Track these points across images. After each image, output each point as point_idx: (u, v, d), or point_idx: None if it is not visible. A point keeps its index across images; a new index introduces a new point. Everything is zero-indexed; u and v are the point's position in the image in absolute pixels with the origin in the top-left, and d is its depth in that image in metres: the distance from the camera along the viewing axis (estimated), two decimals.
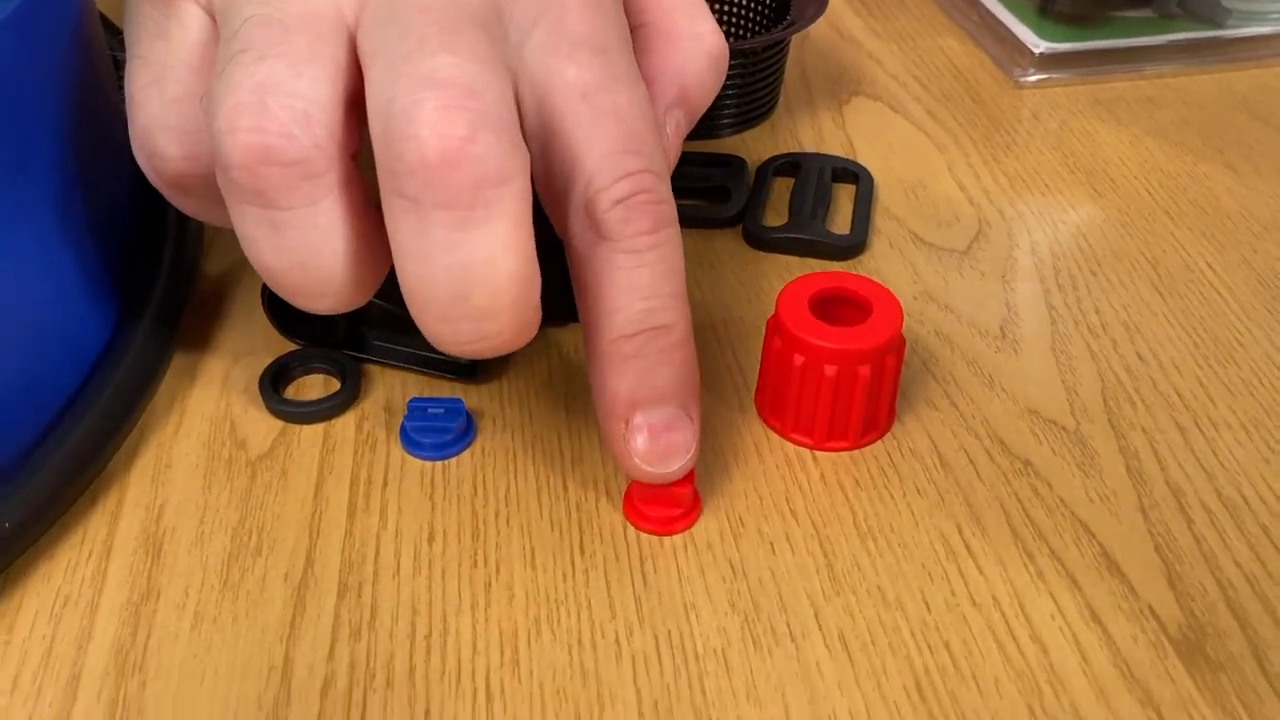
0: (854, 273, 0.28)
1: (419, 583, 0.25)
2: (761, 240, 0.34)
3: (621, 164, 0.24)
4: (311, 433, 0.28)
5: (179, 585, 0.25)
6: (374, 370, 0.30)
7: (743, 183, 0.36)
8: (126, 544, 0.26)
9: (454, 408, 0.28)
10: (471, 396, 0.29)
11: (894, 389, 0.28)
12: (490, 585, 0.25)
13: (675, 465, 0.25)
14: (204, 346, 0.30)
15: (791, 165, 0.37)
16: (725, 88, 0.38)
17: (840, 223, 0.35)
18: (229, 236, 0.33)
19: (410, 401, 0.28)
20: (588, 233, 0.24)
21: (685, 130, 0.28)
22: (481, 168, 0.21)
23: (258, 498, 0.27)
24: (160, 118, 0.25)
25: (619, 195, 0.24)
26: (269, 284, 0.24)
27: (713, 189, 0.36)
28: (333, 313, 0.24)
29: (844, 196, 0.36)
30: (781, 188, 0.36)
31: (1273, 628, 0.24)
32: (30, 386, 0.26)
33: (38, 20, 0.25)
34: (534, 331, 0.24)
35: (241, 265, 0.33)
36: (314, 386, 0.29)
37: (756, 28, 0.40)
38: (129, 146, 0.27)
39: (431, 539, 0.26)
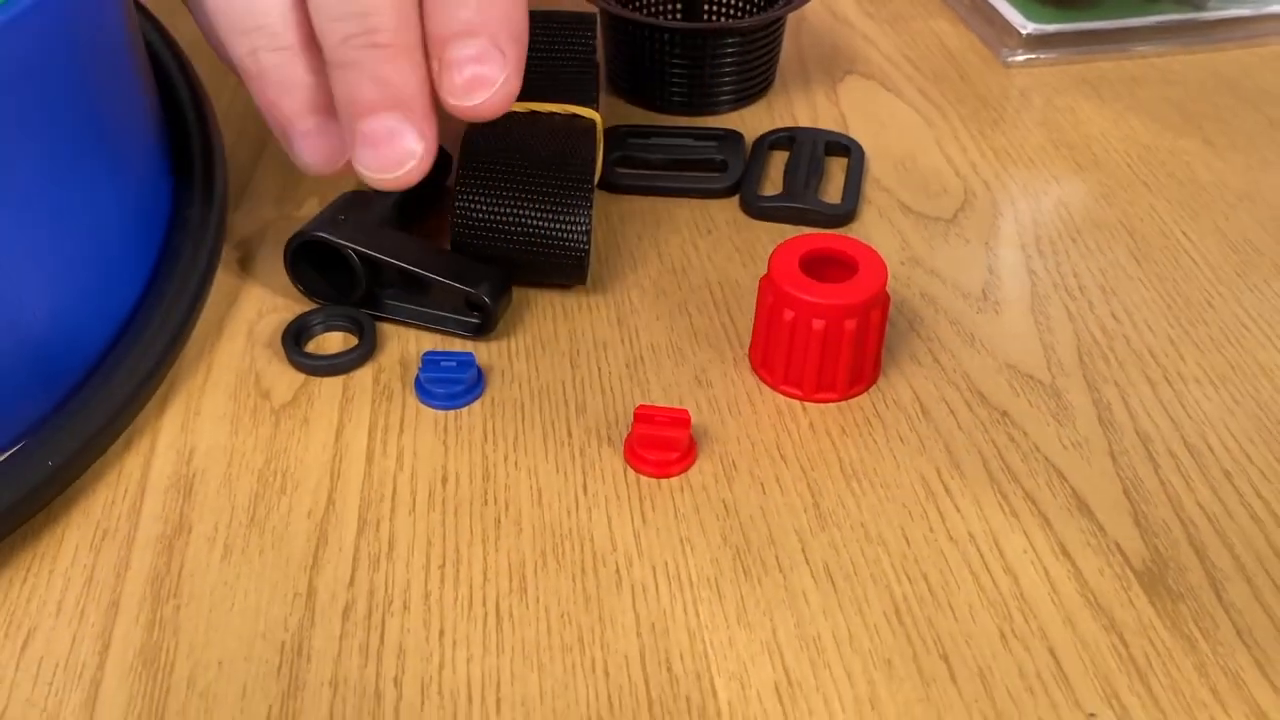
0: (841, 234, 0.30)
1: (433, 518, 0.26)
2: (757, 209, 0.36)
3: None
4: (331, 384, 0.30)
5: (209, 521, 0.26)
6: (389, 328, 0.31)
7: (740, 155, 0.37)
8: (159, 484, 0.27)
9: (465, 360, 0.29)
10: (481, 353, 0.31)
11: (879, 343, 0.29)
12: (500, 521, 0.26)
13: (481, 97, 0.26)
14: (230, 303, 0.32)
15: (787, 139, 0.38)
16: (723, 65, 0.39)
17: (832, 193, 0.37)
18: (254, 201, 0.34)
19: (424, 354, 0.29)
20: None
21: None
22: None
23: (281, 443, 0.28)
24: None
25: None
26: (216, 34, 0.27)
27: (711, 161, 0.37)
28: (276, 65, 0.26)
29: (836, 168, 0.38)
30: (777, 160, 0.38)
31: (1230, 561, 0.26)
32: (71, 337, 0.28)
33: (68, 11, 0.27)
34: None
35: (265, 228, 0.35)
36: (333, 342, 0.31)
37: (754, 8, 0.42)
38: (159, 123, 0.30)
39: (445, 480, 0.27)
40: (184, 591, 0.25)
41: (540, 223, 0.31)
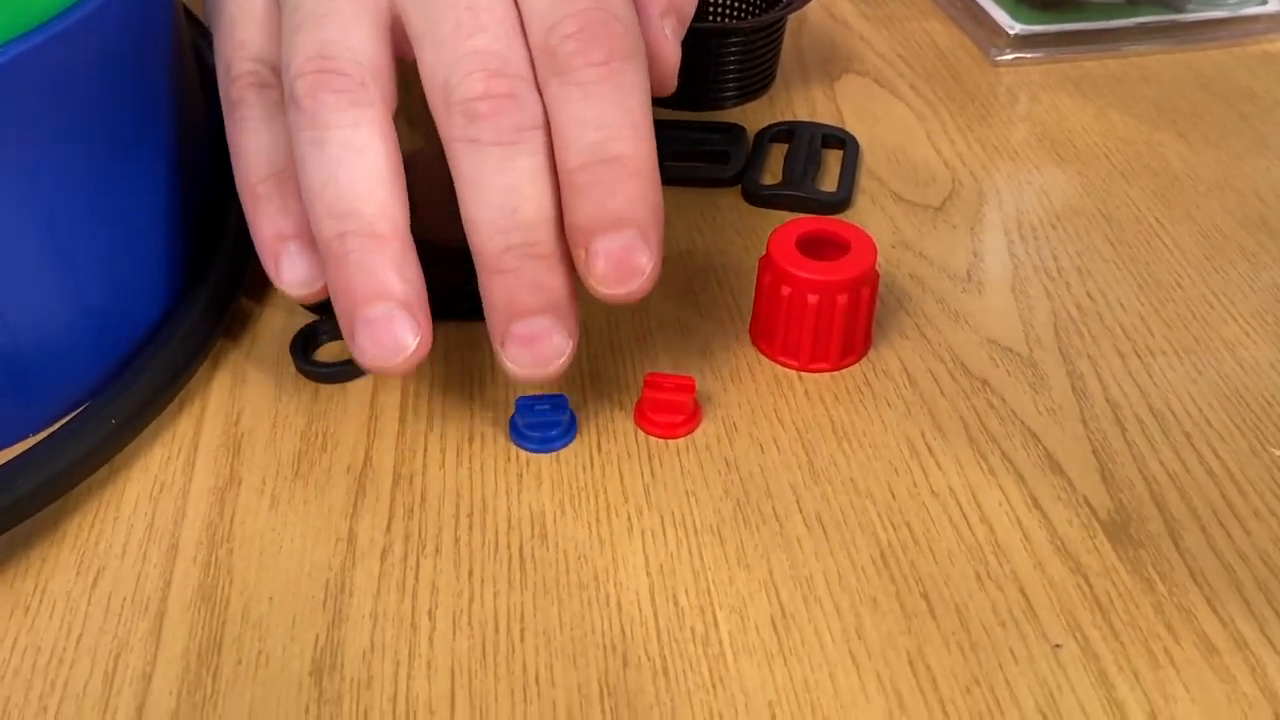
0: (835, 218, 0.32)
1: (461, 473, 0.29)
2: (758, 197, 0.38)
3: (572, 3, 0.26)
4: None
5: (257, 475, 0.29)
6: None
7: (742, 147, 0.40)
8: (211, 442, 0.30)
9: (558, 403, 0.30)
10: None
11: (869, 317, 0.32)
12: (522, 476, 0.29)
13: (634, 286, 0.27)
14: (269, 284, 0.35)
15: (786, 132, 0.41)
16: (727, 63, 0.42)
17: (829, 182, 0.39)
18: None
19: (518, 399, 0.30)
20: (547, 75, 0.26)
21: (680, 33, 0.30)
22: (523, 115, 0.26)
23: (321, 407, 0.31)
24: (230, 51, 0.30)
25: (568, 30, 0.26)
26: (308, 202, 0.27)
27: (715, 152, 0.40)
28: (361, 247, 0.26)
29: (832, 160, 0.40)
30: (777, 152, 0.41)
31: (1188, 513, 0.28)
32: (128, 308, 0.31)
33: (134, 6, 0.29)
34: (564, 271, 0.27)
35: None
36: (336, 350, 0.32)
37: (756, 9, 0.44)
38: (205, 113, 0.33)
39: (471, 440, 0.30)
40: (236, 536, 0.28)
41: None
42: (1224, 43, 0.47)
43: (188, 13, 0.38)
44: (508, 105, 0.26)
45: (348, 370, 0.31)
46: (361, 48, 0.27)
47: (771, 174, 0.39)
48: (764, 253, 0.32)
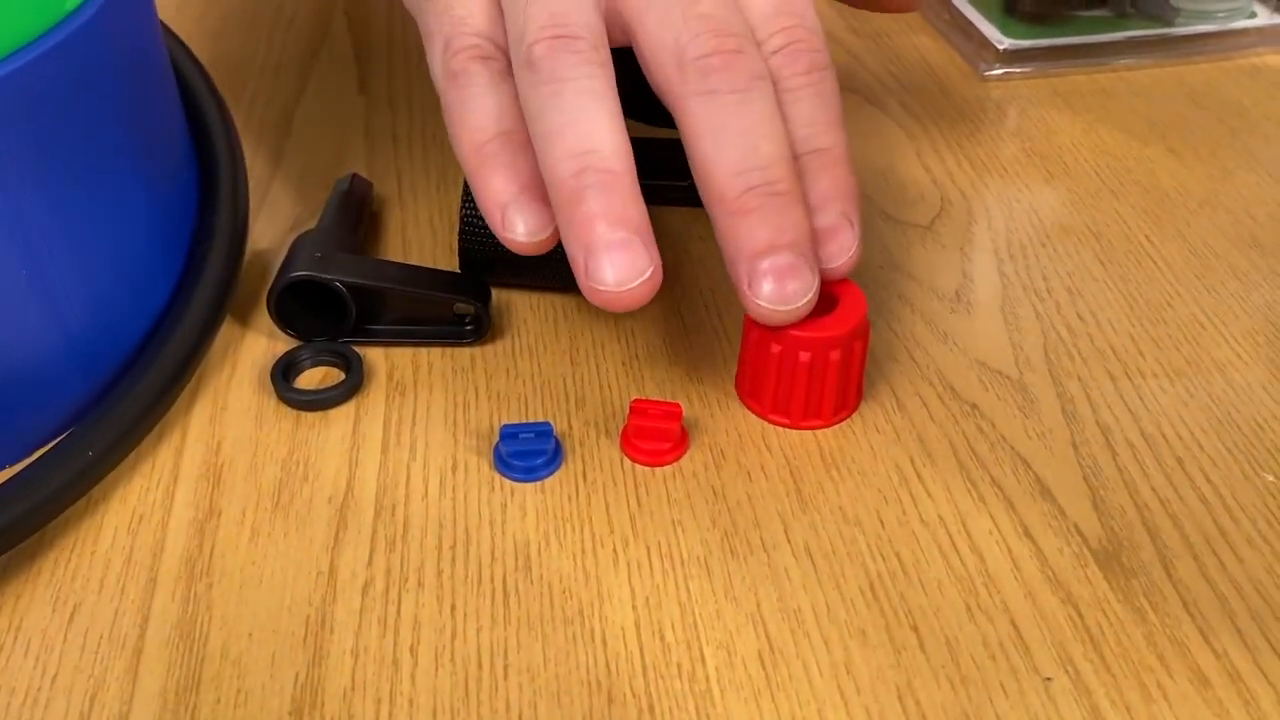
0: None
1: (445, 504, 0.29)
2: None
3: (777, 22, 0.30)
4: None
5: (237, 506, 0.29)
6: (378, 365, 0.33)
7: None
8: (190, 472, 0.30)
9: (543, 431, 0.30)
10: (487, 351, 0.33)
11: (861, 371, 0.31)
12: (506, 506, 0.29)
13: (841, 260, 0.30)
14: (252, 304, 0.34)
15: None
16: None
17: None
18: (272, 210, 0.37)
19: (502, 427, 0.30)
20: None
21: None
22: (752, 65, 0.29)
23: (302, 436, 0.30)
24: (450, 26, 0.31)
25: (775, 46, 0.30)
26: (548, 142, 0.28)
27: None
28: (604, 179, 0.28)
29: None
30: None
31: (1180, 541, 0.28)
32: (108, 333, 0.30)
33: (116, 20, 0.29)
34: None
35: (283, 235, 0.37)
36: (321, 377, 0.32)
37: None
38: (187, 131, 0.32)
39: (454, 469, 0.30)
40: (215, 570, 0.27)
41: None
42: (1213, 56, 0.47)
43: (165, 28, 0.38)
44: (738, 59, 0.29)
45: (329, 397, 0.31)
46: (590, 20, 0.29)
47: None
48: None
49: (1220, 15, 0.47)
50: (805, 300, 0.29)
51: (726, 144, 0.28)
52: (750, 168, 0.28)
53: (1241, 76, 0.46)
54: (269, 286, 0.32)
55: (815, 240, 0.29)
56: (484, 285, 0.33)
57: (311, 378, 0.32)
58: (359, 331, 0.33)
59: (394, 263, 0.35)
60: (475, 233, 0.33)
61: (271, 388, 0.31)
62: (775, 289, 0.28)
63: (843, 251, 0.30)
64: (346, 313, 0.32)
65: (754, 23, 0.30)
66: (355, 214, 0.36)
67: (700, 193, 0.29)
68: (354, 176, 0.37)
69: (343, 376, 0.32)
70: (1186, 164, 0.41)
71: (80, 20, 0.27)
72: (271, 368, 0.32)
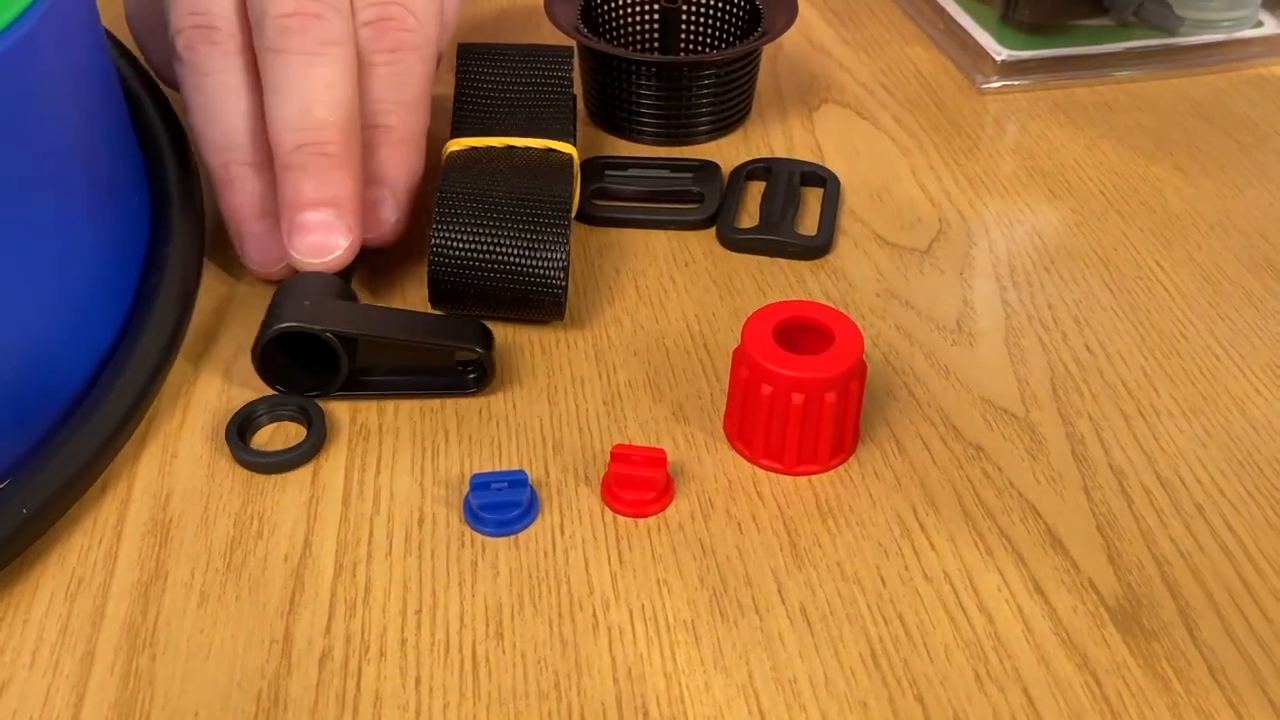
0: (814, 300, 0.29)
1: (410, 562, 0.26)
2: (733, 242, 0.36)
3: None
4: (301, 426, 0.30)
5: (185, 567, 0.26)
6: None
7: (716, 187, 0.38)
8: (136, 529, 0.27)
9: (517, 480, 0.27)
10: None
11: (858, 412, 0.29)
12: (476, 564, 0.26)
13: (372, 234, 0.32)
14: (208, 342, 0.32)
15: (763, 170, 0.39)
16: (701, 96, 0.40)
17: (808, 224, 0.37)
18: (230, 240, 0.34)
19: (473, 477, 0.27)
20: None
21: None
22: (329, 32, 0.30)
23: (258, 486, 0.28)
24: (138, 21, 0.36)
25: (366, 19, 0.32)
26: (199, 145, 0.32)
27: (688, 193, 0.37)
28: (242, 176, 0.32)
29: (812, 199, 0.38)
30: (754, 191, 0.38)
31: (1203, 599, 0.26)
32: (45, 378, 0.28)
33: (56, 33, 0.27)
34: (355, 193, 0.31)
35: (241, 268, 0.35)
36: (283, 434, 0.30)
37: (730, 38, 0.42)
38: (137, 155, 0.30)
39: (421, 523, 0.27)
40: (160, 640, 0.25)
41: (517, 259, 0.31)
42: (1218, 67, 0.45)
43: (111, 36, 0.36)
44: (314, 23, 0.30)
45: (288, 459, 0.28)
46: (226, 4, 0.31)
47: (749, 215, 0.37)
48: (738, 344, 0.29)
49: (1225, 24, 0.45)
50: (335, 255, 0.31)
51: (285, 102, 0.30)
52: (303, 126, 0.30)
53: (1248, 88, 0.44)
54: (254, 339, 0.29)
55: (359, 206, 0.31)
56: (486, 331, 0.31)
57: (270, 434, 0.30)
58: (352, 385, 0.30)
59: (388, 309, 0.32)
60: (446, 262, 0.31)
61: (225, 446, 0.29)
62: (309, 242, 0.30)
63: (377, 225, 0.32)
64: (339, 366, 0.30)
65: None
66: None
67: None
68: None
69: (304, 432, 0.29)
70: (1195, 182, 0.39)
71: (12, 38, 0.25)
72: (226, 425, 0.29)
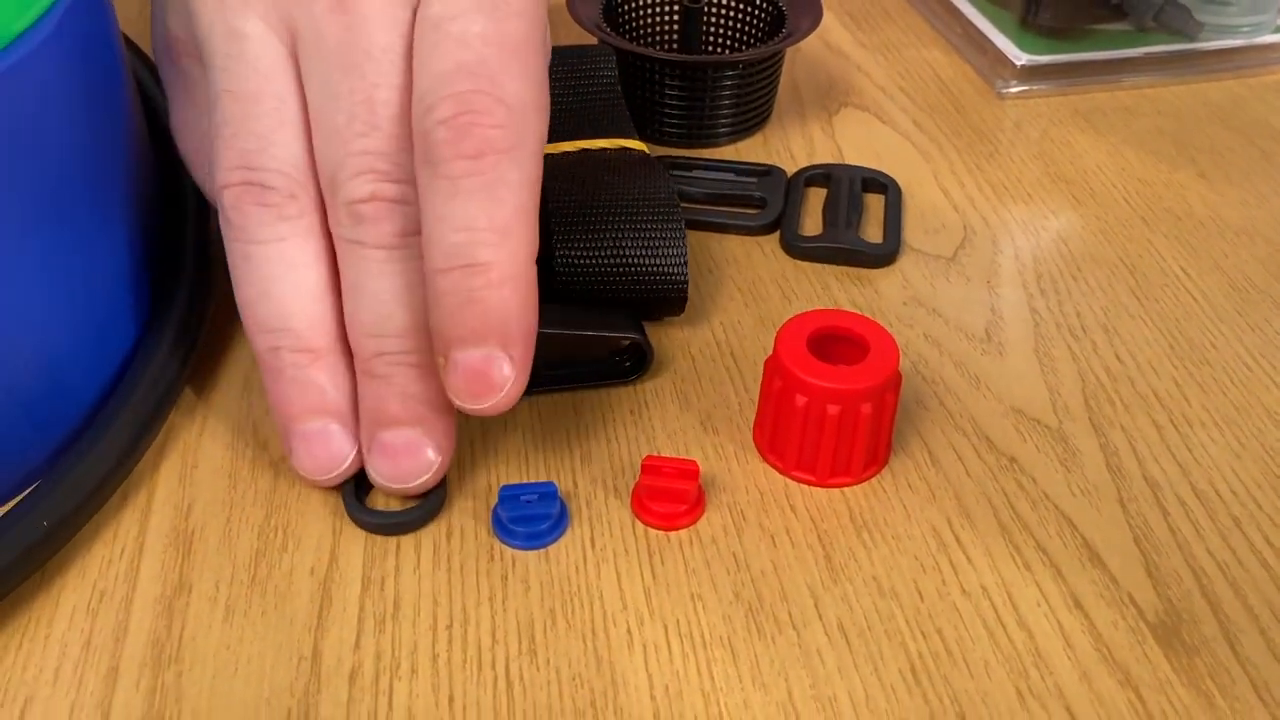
0: (846, 309, 0.29)
1: (439, 576, 0.26)
2: (799, 249, 0.35)
3: (451, 83, 0.24)
4: None
5: (210, 580, 0.26)
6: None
7: (779, 191, 0.37)
8: (158, 541, 0.27)
9: (547, 492, 0.27)
10: None
11: (892, 424, 0.28)
12: (507, 578, 0.26)
13: (490, 401, 0.25)
14: (224, 350, 0.32)
15: (823, 176, 0.38)
16: (722, 97, 0.39)
17: (873, 231, 0.36)
18: None
19: (501, 489, 0.27)
20: (419, 162, 0.25)
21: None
22: (404, 218, 0.25)
23: (281, 496, 0.28)
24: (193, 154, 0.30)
25: (442, 116, 0.24)
26: (245, 320, 0.26)
27: (750, 197, 0.37)
28: (294, 362, 0.26)
29: (874, 205, 0.38)
30: (814, 197, 0.38)
31: (1244, 613, 0.26)
32: (65, 389, 0.27)
33: (73, 42, 0.26)
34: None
35: None
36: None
37: (753, 40, 0.42)
38: (152, 165, 0.30)
39: (450, 535, 0.27)
40: (185, 656, 0.24)
41: (641, 260, 0.31)
42: (1238, 73, 0.45)
43: (130, 43, 0.35)
44: (393, 211, 0.25)
45: (412, 519, 0.27)
46: (286, 154, 0.26)
47: (811, 221, 0.37)
48: (770, 354, 0.28)
49: (1245, 30, 0.45)
50: (420, 480, 0.26)
51: (364, 304, 0.26)
52: (384, 334, 0.26)
53: (1268, 94, 0.44)
54: None
55: (447, 408, 0.26)
56: (636, 319, 0.31)
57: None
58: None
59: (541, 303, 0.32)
60: (573, 274, 0.31)
61: (249, 444, 0.29)
62: (387, 464, 0.26)
63: (490, 390, 0.25)
64: None
65: (423, 87, 0.25)
66: None
67: None
68: None
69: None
70: (1218, 189, 0.39)
71: (31, 43, 0.25)
72: (343, 485, 0.27)
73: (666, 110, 0.39)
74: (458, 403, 0.25)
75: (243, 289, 0.26)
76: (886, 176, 0.38)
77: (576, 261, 0.31)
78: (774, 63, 0.40)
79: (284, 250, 0.26)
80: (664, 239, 0.31)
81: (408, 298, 0.25)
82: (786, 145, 0.41)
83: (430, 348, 0.25)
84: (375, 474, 0.26)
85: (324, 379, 0.26)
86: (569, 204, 0.31)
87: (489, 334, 0.25)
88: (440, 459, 0.26)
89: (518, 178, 0.25)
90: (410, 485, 0.26)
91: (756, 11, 0.41)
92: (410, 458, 0.26)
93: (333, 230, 0.26)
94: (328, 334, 0.26)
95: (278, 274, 0.26)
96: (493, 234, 0.24)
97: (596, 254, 0.31)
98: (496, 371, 0.25)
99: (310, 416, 0.26)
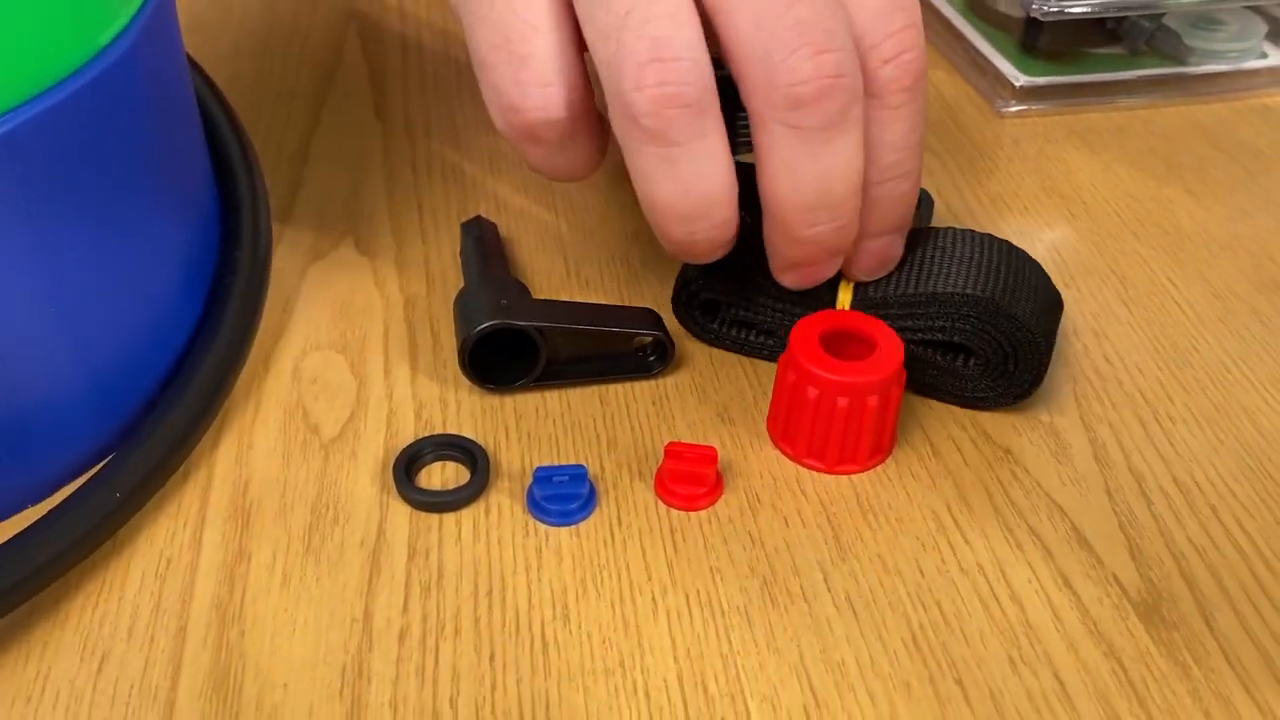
0: (856, 311, 0.31)
1: (479, 548, 0.28)
2: None
3: (889, 21, 0.28)
4: (376, 420, 0.31)
5: (267, 550, 0.28)
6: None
7: None
8: (218, 514, 0.29)
9: (577, 474, 0.29)
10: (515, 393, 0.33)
11: (896, 416, 0.31)
12: (541, 551, 0.28)
13: (884, 273, 0.32)
14: (275, 340, 0.34)
15: None
16: (738, 114, 0.41)
17: None
18: (290, 246, 0.36)
19: (536, 470, 0.29)
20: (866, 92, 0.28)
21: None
22: (848, 95, 0.27)
23: (331, 475, 0.30)
24: (511, 76, 0.29)
25: (887, 54, 0.28)
26: (659, 215, 0.29)
27: None
28: (709, 237, 0.29)
29: None
30: None
31: (1218, 592, 0.28)
32: (134, 370, 0.30)
33: (152, 51, 0.28)
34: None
35: (303, 269, 0.36)
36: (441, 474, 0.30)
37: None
38: (209, 164, 0.32)
39: (488, 512, 0.29)
40: (247, 617, 0.27)
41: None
42: (1225, 96, 0.47)
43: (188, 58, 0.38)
44: (835, 89, 0.27)
45: (459, 498, 0.29)
46: (695, 43, 0.27)
47: None
48: (785, 350, 0.30)
49: (1232, 55, 0.47)
50: (823, 278, 0.31)
51: (802, 186, 0.28)
52: (819, 207, 0.28)
53: (1253, 116, 0.47)
54: (459, 341, 0.31)
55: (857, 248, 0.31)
56: (656, 315, 0.33)
57: (434, 474, 0.30)
58: (547, 375, 0.32)
59: (568, 302, 0.34)
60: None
61: (300, 426, 0.31)
62: (800, 280, 0.31)
63: (886, 265, 0.31)
64: (538, 358, 0.31)
65: (864, 24, 0.28)
66: (503, 257, 0.36)
67: (763, 202, 0.29)
68: (480, 219, 0.37)
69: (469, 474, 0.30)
70: (1205, 205, 0.41)
71: (114, 55, 0.27)
72: (394, 462, 0.30)
73: None
74: (861, 277, 0.31)
75: (661, 188, 0.28)
76: (921, 189, 0.40)
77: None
78: None
79: (707, 147, 0.27)
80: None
81: (845, 172, 0.28)
82: None
83: (856, 209, 0.29)
84: (859, 272, 0.31)
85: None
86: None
87: (902, 223, 0.31)
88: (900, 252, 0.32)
89: (925, 100, 0.29)
90: (882, 273, 0.31)
91: None
92: (818, 277, 0.31)
93: (763, 114, 0.27)
94: (735, 218, 0.29)
95: (701, 171, 0.28)
96: (917, 149, 0.29)
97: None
98: (896, 250, 0.31)
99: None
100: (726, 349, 0.34)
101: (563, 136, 0.30)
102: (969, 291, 0.31)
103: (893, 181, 0.29)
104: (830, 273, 0.31)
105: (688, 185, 0.28)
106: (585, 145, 0.31)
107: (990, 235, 0.33)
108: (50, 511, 0.27)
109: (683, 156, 0.27)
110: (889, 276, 0.32)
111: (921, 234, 0.33)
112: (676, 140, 0.27)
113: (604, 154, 0.32)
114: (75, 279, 0.27)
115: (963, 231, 0.33)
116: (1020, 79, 0.46)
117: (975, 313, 0.30)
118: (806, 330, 0.30)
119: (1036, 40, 0.47)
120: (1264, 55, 0.48)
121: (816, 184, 0.28)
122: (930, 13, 0.51)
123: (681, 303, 0.34)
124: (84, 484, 0.28)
